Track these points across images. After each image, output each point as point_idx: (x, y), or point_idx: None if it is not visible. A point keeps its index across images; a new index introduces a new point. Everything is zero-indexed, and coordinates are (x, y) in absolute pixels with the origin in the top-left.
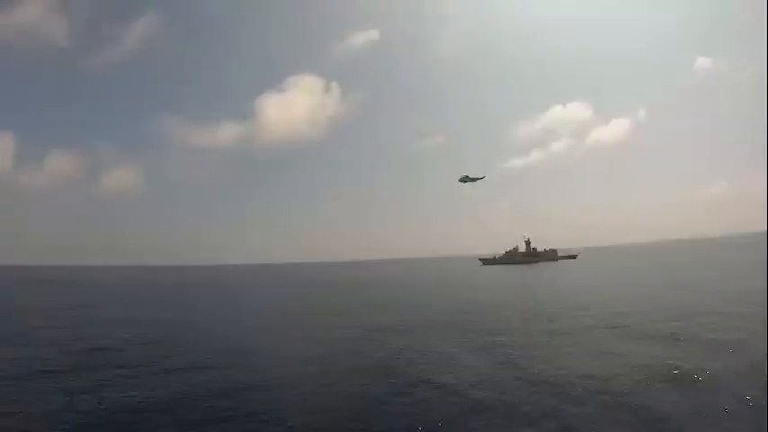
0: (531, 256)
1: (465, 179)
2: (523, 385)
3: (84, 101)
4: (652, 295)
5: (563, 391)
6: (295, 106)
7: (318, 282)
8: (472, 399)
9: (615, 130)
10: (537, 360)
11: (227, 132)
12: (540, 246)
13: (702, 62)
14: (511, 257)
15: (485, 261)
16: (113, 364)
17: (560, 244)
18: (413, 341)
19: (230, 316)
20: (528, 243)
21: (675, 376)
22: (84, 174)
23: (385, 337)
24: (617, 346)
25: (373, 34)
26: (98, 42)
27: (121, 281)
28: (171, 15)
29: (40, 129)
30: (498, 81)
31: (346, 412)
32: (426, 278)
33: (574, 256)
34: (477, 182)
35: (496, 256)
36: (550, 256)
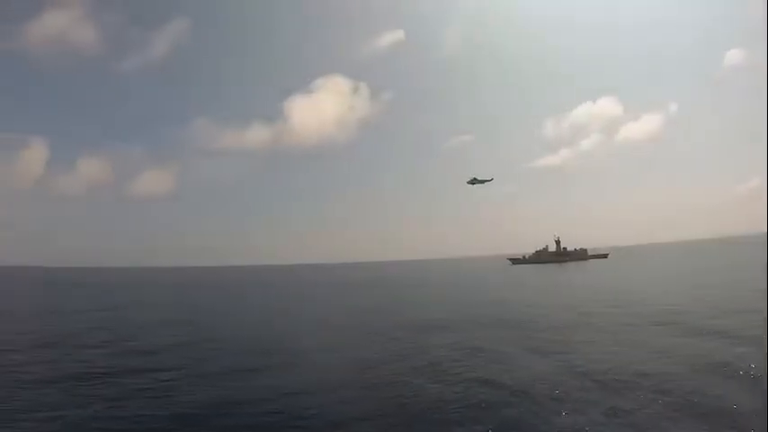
0: (560, 256)
1: (473, 181)
2: (584, 384)
3: (114, 106)
4: (691, 294)
5: (624, 387)
6: (324, 107)
7: (358, 282)
8: (532, 398)
9: (646, 126)
10: (591, 357)
11: (256, 134)
12: (569, 245)
13: (734, 55)
14: (540, 257)
15: (514, 261)
16: (159, 367)
17: (590, 243)
18: (462, 340)
19: (283, 317)
20: (558, 242)
21: (734, 372)
22: (114, 177)
23: (431, 335)
24: (667, 343)
25: (399, 34)
26: (127, 48)
27: (153, 282)
28: (198, 19)
29: (71, 134)
30: (526, 78)
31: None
32: (460, 278)
33: (604, 256)
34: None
35: (526, 256)
36: (580, 255)
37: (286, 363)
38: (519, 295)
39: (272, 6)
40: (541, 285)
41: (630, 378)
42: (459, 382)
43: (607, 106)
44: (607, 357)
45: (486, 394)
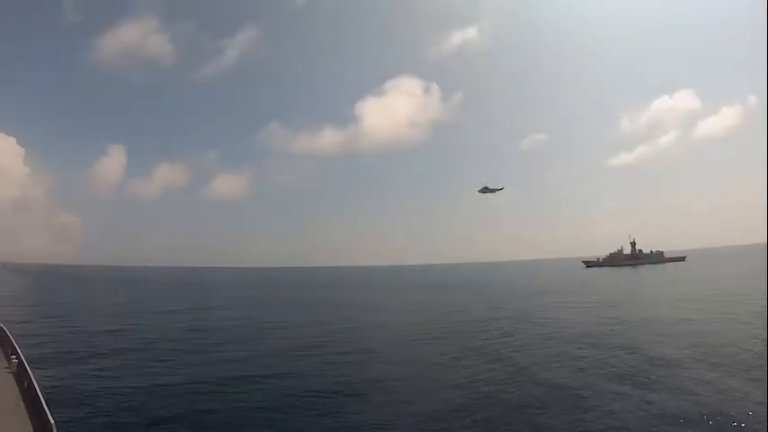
0: (635, 259)
1: (485, 190)
2: None
3: (188, 113)
4: None
5: None
6: (395, 109)
7: (446, 283)
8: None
9: (724, 119)
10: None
11: (328, 138)
12: (645, 247)
13: None
14: (615, 260)
15: (588, 264)
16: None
17: (666, 245)
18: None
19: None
20: (633, 244)
21: None
22: (190, 181)
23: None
24: None
25: (471, 33)
26: (199, 58)
27: (232, 281)
28: (268, 27)
29: (147, 141)
30: (601, 73)
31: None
32: (538, 281)
33: (682, 259)
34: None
35: (600, 259)
36: (656, 258)
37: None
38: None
39: (342, 10)
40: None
41: None
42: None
43: (684, 100)
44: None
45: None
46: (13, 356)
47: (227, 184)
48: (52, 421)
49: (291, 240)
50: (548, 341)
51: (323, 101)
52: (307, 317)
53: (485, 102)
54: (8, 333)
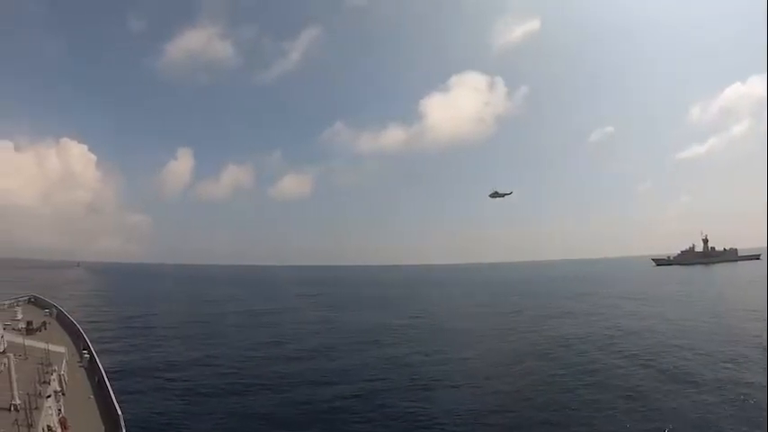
0: (708, 257)
1: (495, 195)
2: None
3: (253, 115)
4: None
5: None
6: (459, 105)
7: (517, 280)
8: None
9: None
10: None
11: (393, 136)
12: (718, 244)
13: None
14: (686, 258)
15: (658, 262)
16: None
17: (741, 243)
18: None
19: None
20: (705, 241)
21: None
22: (256, 182)
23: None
24: None
25: (534, 24)
26: (263, 61)
27: (307, 280)
28: (329, 27)
29: (214, 143)
30: (670, 60)
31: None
32: (610, 280)
33: (756, 257)
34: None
35: (671, 257)
36: (730, 256)
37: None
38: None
39: (403, 6)
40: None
41: None
42: None
43: (758, 85)
44: None
45: None
46: (85, 351)
47: (293, 184)
48: (120, 413)
49: (357, 239)
50: None
51: (387, 98)
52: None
53: (551, 95)
54: (81, 329)
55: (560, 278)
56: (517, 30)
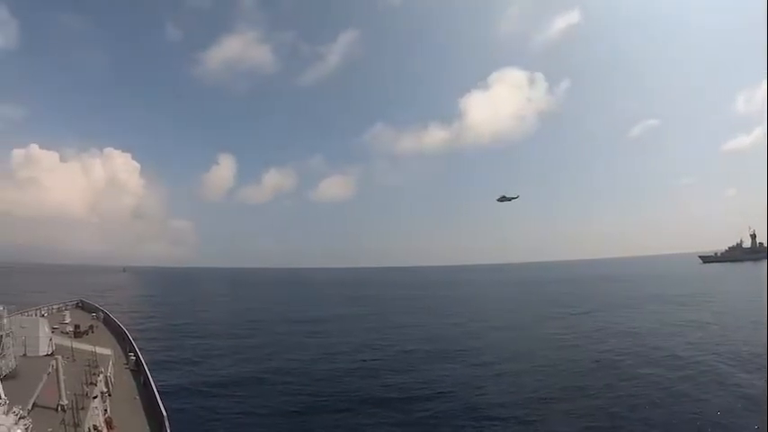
0: (756, 252)
1: (502, 199)
2: None
3: (294, 119)
4: None
5: None
6: (500, 102)
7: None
8: None
9: None
10: None
11: (433, 136)
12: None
13: None
14: (734, 254)
15: (705, 259)
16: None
17: None
18: None
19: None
20: (753, 237)
21: None
22: (297, 185)
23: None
24: None
25: (574, 17)
26: (301, 65)
27: (389, 282)
28: (366, 30)
29: (255, 147)
30: (714, 47)
31: None
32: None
33: None
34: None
35: (718, 253)
36: None
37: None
38: None
39: (439, 3)
40: None
41: None
42: None
43: None
44: None
45: None
46: (131, 354)
47: (334, 187)
48: (165, 413)
49: (400, 240)
50: None
51: (427, 98)
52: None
53: (593, 88)
54: (127, 332)
55: (628, 278)
56: (557, 22)
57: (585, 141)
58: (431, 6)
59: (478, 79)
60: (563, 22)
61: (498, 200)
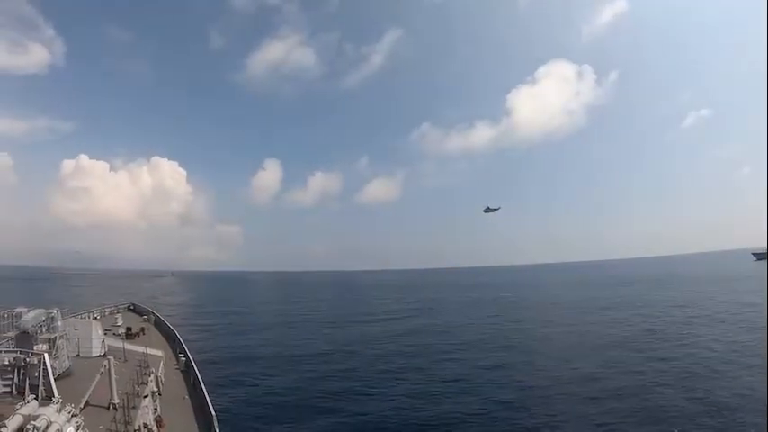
0: None
1: (488, 210)
2: None
3: (339, 121)
4: None
5: None
6: (548, 97)
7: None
8: None
9: None
10: None
11: (480, 134)
12: None
13: None
14: None
15: (759, 256)
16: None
17: None
18: None
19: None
20: None
21: None
22: (343, 188)
23: None
24: None
25: (621, 5)
26: (346, 66)
27: (410, 283)
28: (410, 29)
29: (300, 151)
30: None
31: None
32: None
33: None
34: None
35: None
36: None
37: None
38: None
39: (480, 0)
40: None
41: None
42: None
43: None
44: None
45: None
46: (182, 355)
47: (380, 189)
48: (214, 413)
49: (450, 240)
50: None
51: (473, 95)
52: None
53: (642, 79)
54: (177, 334)
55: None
56: (604, 12)
57: (635, 134)
58: (474, 3)
59: (526, 74)
60: (610, 10)
61: (484, 211)
